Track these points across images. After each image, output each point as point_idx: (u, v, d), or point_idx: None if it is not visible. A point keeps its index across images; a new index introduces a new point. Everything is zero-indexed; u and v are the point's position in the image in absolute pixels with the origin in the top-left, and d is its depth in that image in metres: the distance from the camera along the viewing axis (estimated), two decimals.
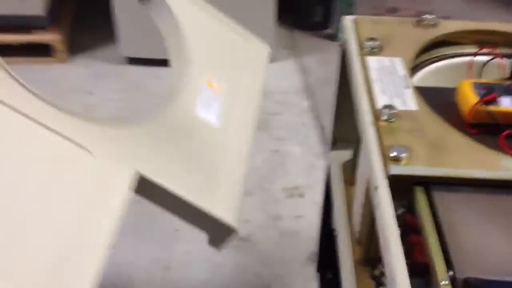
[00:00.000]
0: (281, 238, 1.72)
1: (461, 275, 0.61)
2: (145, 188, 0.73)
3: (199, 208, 0.77)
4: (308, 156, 2.01)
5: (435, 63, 1.07)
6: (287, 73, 2.56)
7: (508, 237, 0.66)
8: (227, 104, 0.96)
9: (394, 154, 0.76)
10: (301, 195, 1.83)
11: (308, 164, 1.96)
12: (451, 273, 0.62)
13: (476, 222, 0.68)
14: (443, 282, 0.61)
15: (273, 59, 2.68)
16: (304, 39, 2.89)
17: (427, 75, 1.04)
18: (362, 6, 3.40)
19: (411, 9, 3.32)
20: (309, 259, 1.64)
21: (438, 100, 0.92)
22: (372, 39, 1.02)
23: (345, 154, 1.22)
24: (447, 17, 3.36)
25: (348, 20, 1.12)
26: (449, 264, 0.63)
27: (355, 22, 1.11)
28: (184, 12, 1.04)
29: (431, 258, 0.65)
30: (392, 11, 3.35)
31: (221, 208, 0.79)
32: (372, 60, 0.99)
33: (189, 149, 0.84)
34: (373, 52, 1.01)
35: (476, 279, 0.60)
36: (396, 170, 0.75)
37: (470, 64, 0.96)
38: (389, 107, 0.84)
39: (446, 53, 1.08)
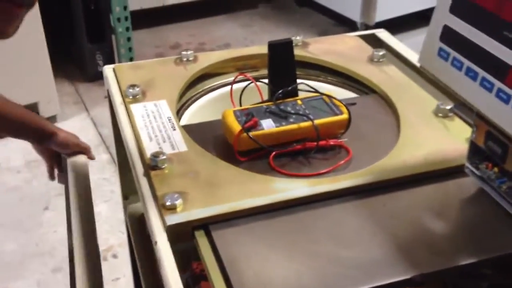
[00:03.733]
0: None
1: None
2: None
3: None
4: (116, 212, 1.91)
5: (202, 97, 1.07)
6: (80, 129, 2.44)
7: (287, 258, 0.67)
8: None
9: (168, 203, 0.73)
10: (115, 256, 1.73)
11: (118, 221, 1.87)
12: None
13: (256, 252, 0.67)
14: None
15: (61, 117, 2.55)
16: (90, 90, 2.80)
17: (196, 111, 1.04)
18: (145, 46, 3.41)
19: (192, 42, 3.41)
20: None
21: (207, 135, 0.91)
22: (133, 86, 0.99)
23: (140, 207, 1.16)
24: (227, 45, 3.53)
25: (108, 70, 1.08)
26: None
27: (116, 71, 1.07)
28: None
29: None
30: (175, 46, 3.41)
31: None
32: (136, 108, 0.95)
33: None
34: (137, 99, 0.98)
35: None
36: (172, 219, 0.71)
37: (231, 93, 0.97)
38: (157, 154, 0.81)
39: (210, 85, 1.09)
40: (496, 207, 0.73)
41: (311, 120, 0.85)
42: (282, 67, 0.94)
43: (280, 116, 0.87)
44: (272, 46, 0.93)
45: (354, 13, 3.30)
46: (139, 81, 1.02)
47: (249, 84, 0.97)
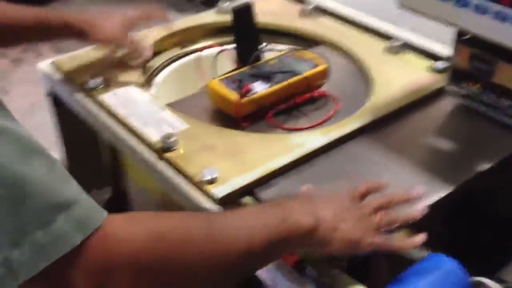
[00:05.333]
0: None
1: None
2: None
3: None
4: None
5: (159, 74, 1.04)
6: None
7: None
8: None
9: (208, 177, 0.72)
10: None
11: None
12: None
13: None
14: None
15: None
16: None
17: (163, 89, 1.01)
18: None
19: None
20: None
21: (195, 109, 0.90)
22: (93, 76, 0.93)
23: None
24: None
25: (47, 66, 1.00)
26: None
27: (57, 65, 0.99)
28: None
29: None
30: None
31: None
32: (107, 97, 0.90)
33: None
34: (100, 89, 0.92)
35: None
36: (221, 191, 0.71)
37: (198, 63, 0.97)
38: (168, 136, 0.78)
39: (161, 63, 1.06)
40: (479, 118, 0.84)
41: (300, 74, 0.89)
42: (247, 30, 0.95)
43: (266, 77, 0.89)
44: (235, 11, 0.94)
45: None
46: (91, 72, 0.95)
47: (220, 51, 0.96)
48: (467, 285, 0.69)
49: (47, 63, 1.01)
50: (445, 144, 0.82)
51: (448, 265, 0.68)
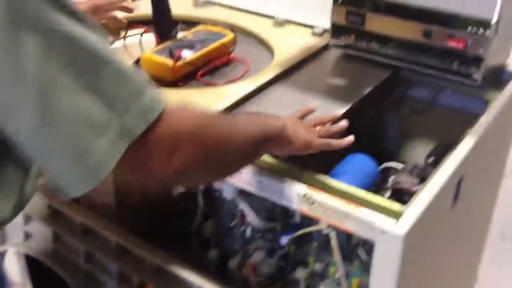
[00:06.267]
0: None
1: None
2: None
3: None
4: None
5: None
6: None
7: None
8: None
9: None
10: None
11: None
12: None
13: None
14: None
15: None
16: None
17: None
18: None
19: None
20: None
21: None
22: None
23: None
24: None
25: None
26: None
27: None
28: None
29: None
30: None
31: None
32: None
33: None
34: None
35: None
36: None
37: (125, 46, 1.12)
38: None
39: None
40: (357, 60, 1.11)
41: (218, 41, 1.10)
42: (165, 12, 1.14)
43: (189, 46, 1.09)
44: None
45: None
46: None
47: (143, 32, 1.13)
48: (378, 171, 0.95)
49: None
50: (338, 81, 1.07)
51: (362, 158, 0.93)
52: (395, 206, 0.74)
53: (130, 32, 1.15)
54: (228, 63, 1.12)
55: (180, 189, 1.00)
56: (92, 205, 1.03)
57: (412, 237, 0.72)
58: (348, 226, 0.76)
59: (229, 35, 1.13)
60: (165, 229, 1.03)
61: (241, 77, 1.07)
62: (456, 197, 0.88)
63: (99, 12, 1.07)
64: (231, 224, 0.96)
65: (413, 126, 1.17)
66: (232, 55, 1.14)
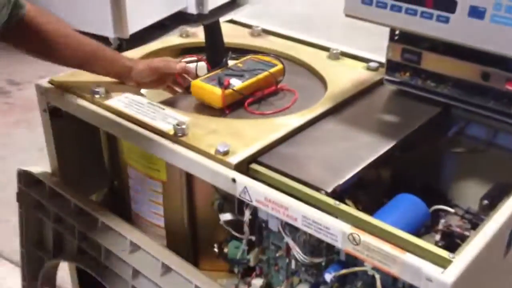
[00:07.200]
0: None
1: None
2: None
3: None
4: None
5: None
6: None
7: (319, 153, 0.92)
8: None
9: (222, 149, 0.90)
10: None
11: None
12: None
13: (296, 156, 0.93)
14: None
15: None
16: None
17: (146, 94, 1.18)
18: None
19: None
20: None
21: (182, 105, 1.11)
22: (95, 87, 1.08)
23: None
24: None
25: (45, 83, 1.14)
26: None
27: (53, 82, 1.13)
28: None
29: None
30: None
31: None
32: (113, 102, 1.05)
33: None
34: (104, 97, 1.07)
35: None
36: (236, 159, 0.89)
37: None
38: (179, 123, 0.95)
39: None
40: (410, 97, 1.09)
41: (267, 71, 1.11)
42: (217, 41, 1.16)
43: (238, 75, 1.11)
44: (207, 26, 1.15)
45: (106, 30, 3.47)
46: (90, 85, 1.10)
47: (198, 61, 1.17)
48: (428, 213, 0.93)
49: (45, 80, 1.14)
50: (388, 117, 1.06)
51: (411, 199, 0.91)
52: (443, 253, 0.72)
53: (184, 60, 1.19)
54: (276, 92, 1.13)
55: (227, 216, 1.00)
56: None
57: (460, 287, 0.70)
58: (394, 270, 0.74)
59: (278, 65, 1.15)
60: (210, 255, 1.04)
61: (288, 108, 1.08)
62: (509, 245, 0.85)
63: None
64: (277, 255, 0.95)
65: (468, 166, 1.14)
66: (280, 85, 1.15)
